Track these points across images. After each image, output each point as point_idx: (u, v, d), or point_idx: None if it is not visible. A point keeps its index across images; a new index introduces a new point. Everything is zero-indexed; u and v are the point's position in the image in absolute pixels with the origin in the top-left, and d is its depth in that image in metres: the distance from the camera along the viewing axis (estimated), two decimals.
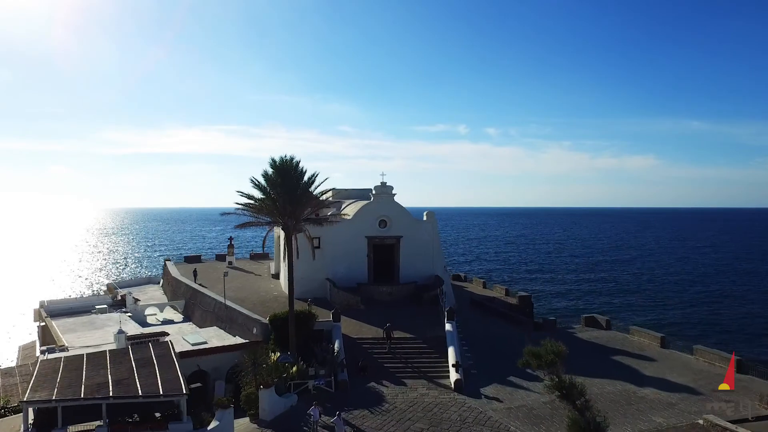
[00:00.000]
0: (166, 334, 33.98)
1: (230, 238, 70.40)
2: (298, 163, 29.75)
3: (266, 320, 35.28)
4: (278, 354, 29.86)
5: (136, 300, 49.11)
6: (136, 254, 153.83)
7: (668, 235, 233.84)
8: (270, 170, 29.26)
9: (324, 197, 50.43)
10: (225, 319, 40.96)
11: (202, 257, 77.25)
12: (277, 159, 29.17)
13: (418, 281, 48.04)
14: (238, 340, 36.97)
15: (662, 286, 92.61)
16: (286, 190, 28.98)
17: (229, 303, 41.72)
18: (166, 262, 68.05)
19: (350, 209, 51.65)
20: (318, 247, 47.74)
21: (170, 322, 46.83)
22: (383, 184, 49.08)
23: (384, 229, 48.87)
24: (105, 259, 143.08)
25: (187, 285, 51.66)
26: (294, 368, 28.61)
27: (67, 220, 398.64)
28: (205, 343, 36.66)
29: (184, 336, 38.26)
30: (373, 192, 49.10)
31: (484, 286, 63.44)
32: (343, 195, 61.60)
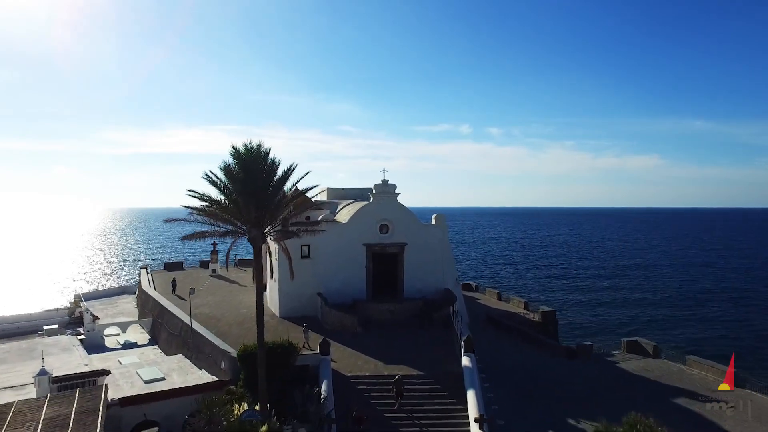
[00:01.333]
0: (106, 372, 26.72)
1: (214, 243, 62.93)
2: (267, 153, 22.22)
3: (236, 353, 28.00)
4: (244, 406, 22.58)
5: (95, 318, 41.89)
6: (125, 258, 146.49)
7: (678, 234, 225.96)
8: (232, 161, 21.79)
9: (312, 196, 43.26)
10: (192, 346, 33.65)
11: (185, 264, 70.00)
12: (241, 147, 21.72)
13: (426, 297, 40.74)
14: (204, 376, 29.67)
15: (690, 294, 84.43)
16: (250, 189, 21.53)
17: (196, 326, 34.38)
18: (142, 270, 60.88)
19: (346, 212, 44.38)
20: (308, 257, 40.65)
21: (133, 345, 39.61)
22: (384, 182, 41.78)
23: (385, 235, 41.56)
24: (89, 263, 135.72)
25: (155, 300, 44.34)
26: (264, 427, 21.32)
27: (63, 221, 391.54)
28: (163, 380, 29.40)
29: (139, 369, 30.99)
30: (373, 191, 41.79)
31: (499, 298, 56.06)
32: (338, 195, 54.38)
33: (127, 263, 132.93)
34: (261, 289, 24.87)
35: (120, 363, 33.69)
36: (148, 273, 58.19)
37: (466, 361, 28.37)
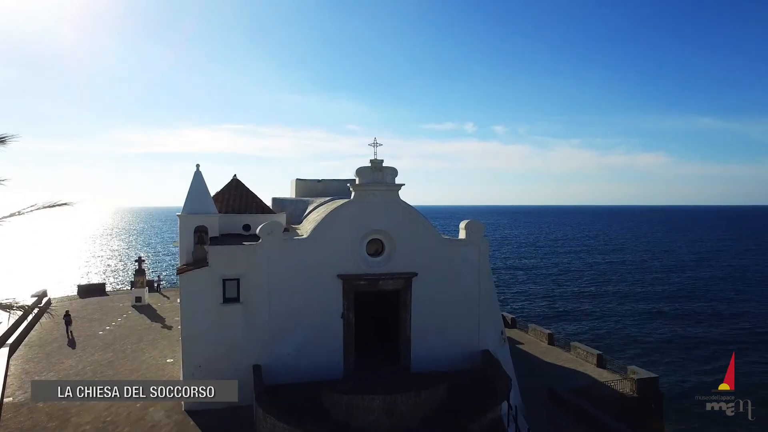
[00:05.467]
0: None
1: (139, 259, 44.57)
2: None
3: None
4: None
5: None
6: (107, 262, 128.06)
7: (707, 235, 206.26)
8: None
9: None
10: None
11: (108, 287, 51.87)
12: None
13: (452, 370, 22.62)
14: None
15: None
16: None
17: None
18: (33, 297, 42.62)
19: (314, 217, 26.31)
20: (236, 300, 22.46)
21: None
22: (376, 164, 23.35)
23: (378, 260, 23.37)
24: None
25: None
26: None
27: (60, 222, 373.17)
28: None
29: None
30: (357, 181, 23.42)
31: (551, 342, 37.83)
32: (312, 190, 36.54)
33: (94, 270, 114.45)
34: None
35: None
36: (41, 302, 39.99)
37: None
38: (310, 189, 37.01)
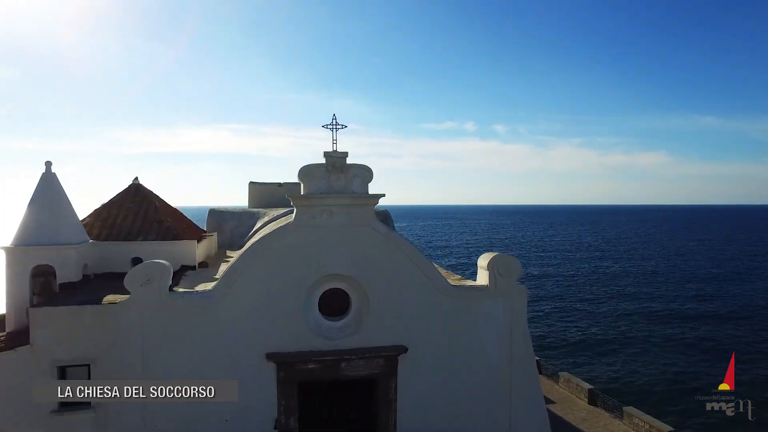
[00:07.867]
0: None
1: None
2: None
3: None
4: None
5: None
6: None
7: (732, 238, 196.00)
8: None
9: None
10: None
11: None
12: None
13: None
14: None
15: None
16: None
17: None
18: None
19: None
20: (85, 404, 12.60)
21: None
22: (335, 162, 13.61)
23: (340, 325, 13.66)
24: None
25: None
26: None
27: None
28: None
29: None
30: (302, 191, 13.71)
31: (592, 401, 27.98)
32: (270, 198, 26.91)
33: None
34: None
35: None
36: None
37: None
38: (268, 196, 27.44)
